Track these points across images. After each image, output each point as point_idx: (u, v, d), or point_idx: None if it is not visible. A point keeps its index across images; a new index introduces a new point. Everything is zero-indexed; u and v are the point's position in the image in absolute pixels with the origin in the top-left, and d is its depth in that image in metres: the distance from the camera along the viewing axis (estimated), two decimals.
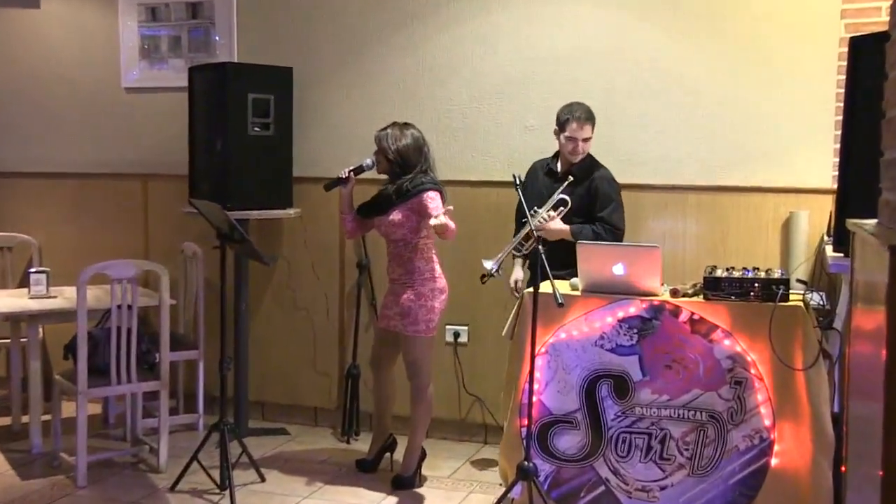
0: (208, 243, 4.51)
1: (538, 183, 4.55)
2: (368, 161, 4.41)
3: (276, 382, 5.57)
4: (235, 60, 5.40)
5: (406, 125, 4.41)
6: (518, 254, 4.47)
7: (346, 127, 5.33)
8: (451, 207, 4.06)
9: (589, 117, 4.43)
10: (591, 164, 4.49)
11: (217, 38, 5.51)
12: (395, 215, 4.30)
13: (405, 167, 4.34)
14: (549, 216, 4.32)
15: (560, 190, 4.31)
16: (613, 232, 4.37)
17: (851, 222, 2.17)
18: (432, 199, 4.25)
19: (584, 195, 4.41)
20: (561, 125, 4.46)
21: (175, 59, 5.62)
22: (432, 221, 3.97)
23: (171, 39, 5.62)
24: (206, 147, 5.11)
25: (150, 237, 5.76)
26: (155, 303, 4.70)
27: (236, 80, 4.99)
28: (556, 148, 4.56)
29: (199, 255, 5.17)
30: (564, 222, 4.36)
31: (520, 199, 3.96)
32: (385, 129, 4.38)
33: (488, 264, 3.82)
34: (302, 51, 5.38)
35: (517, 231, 4.46)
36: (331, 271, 5.43)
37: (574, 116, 4.41)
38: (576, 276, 4.02)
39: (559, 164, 4.55)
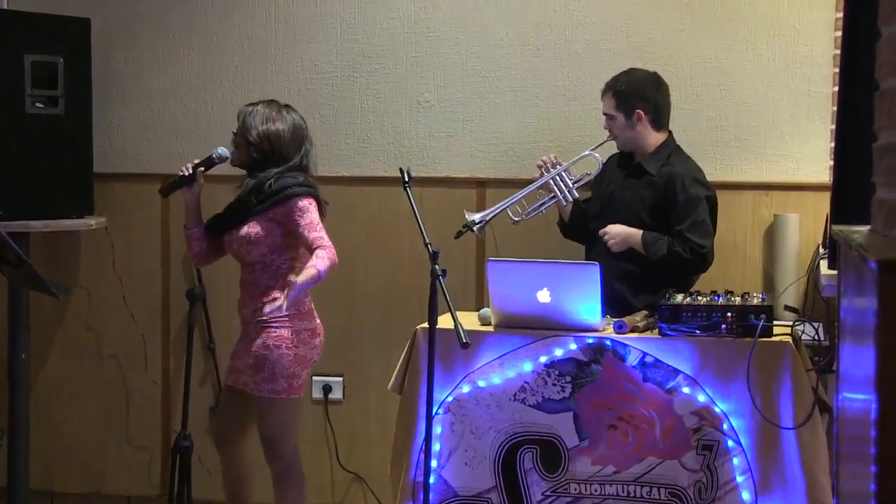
0: None
1: (606, 179, 4.58)
2: (221, 150, 4.34)
3: (71, 463, 5.48)
4: (5, 6, 5.31)
5: (287, 107, 4.37)
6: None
7: (170, 103, 5.29)
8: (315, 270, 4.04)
9: (609, 87, 4.47)
10: (668, 154, 4.49)
11: None
12: (251, 228, 4.23)
13: (271, 159, 4.28)
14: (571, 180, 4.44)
15: (594, 148, 4.49)
16: (698, 252, 4.29)
17: (837, 229, 2.23)
18: (305, 211, 4.18)
19: (655, 194, 4.41)
20: None
21: None
22: (291, 277, 4.00)
23: None
24: None
25: None
26: None
27: (7, 35, 4.92)
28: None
29: None
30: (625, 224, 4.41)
31: (410, 202, 3.97)
32: (255, 103, 4.34)
33: (474, 216, 3.90)
34: None
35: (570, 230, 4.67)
36: (150, 305, 5.38)
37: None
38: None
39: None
